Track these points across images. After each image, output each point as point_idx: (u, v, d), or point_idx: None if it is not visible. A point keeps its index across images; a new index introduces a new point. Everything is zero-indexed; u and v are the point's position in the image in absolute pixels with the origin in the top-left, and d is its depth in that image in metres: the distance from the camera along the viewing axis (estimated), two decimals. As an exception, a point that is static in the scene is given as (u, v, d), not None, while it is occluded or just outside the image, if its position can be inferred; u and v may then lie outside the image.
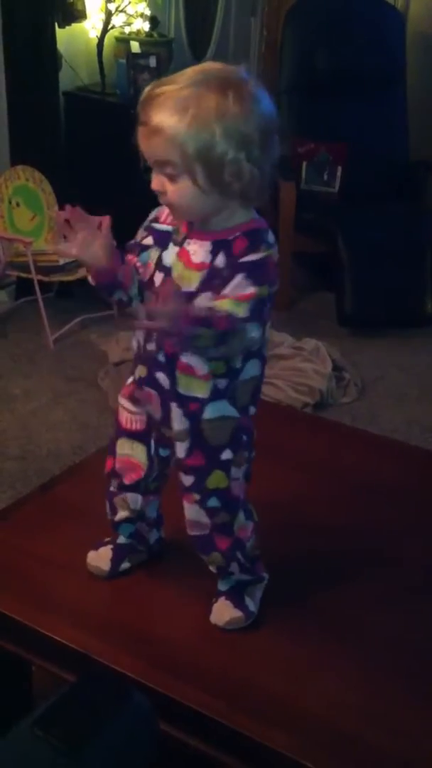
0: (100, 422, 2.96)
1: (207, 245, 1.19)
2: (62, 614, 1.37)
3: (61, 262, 3.47)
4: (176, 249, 1.23)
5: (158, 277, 1.24)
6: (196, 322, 1.12)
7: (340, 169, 4.11)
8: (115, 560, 1.46)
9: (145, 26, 4.01)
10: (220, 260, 1.18)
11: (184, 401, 1.26)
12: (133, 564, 1.47)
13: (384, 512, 1.69)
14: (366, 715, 1.23)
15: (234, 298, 1.15)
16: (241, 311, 1.14)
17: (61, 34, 3.75)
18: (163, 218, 1.26)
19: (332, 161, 4.12)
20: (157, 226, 1.26)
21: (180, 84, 1.13)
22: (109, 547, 1.47)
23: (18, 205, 3.63)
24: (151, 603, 1.42)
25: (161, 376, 1.27)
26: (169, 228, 1.25)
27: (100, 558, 1.46)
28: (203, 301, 1.18)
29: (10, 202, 3.59)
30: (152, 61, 3.87)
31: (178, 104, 1.11)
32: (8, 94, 3.60)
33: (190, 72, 1.15)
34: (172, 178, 1.15)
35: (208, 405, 1.26)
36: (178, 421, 1.28)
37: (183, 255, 1.21)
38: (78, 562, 1.47)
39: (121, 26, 3.98)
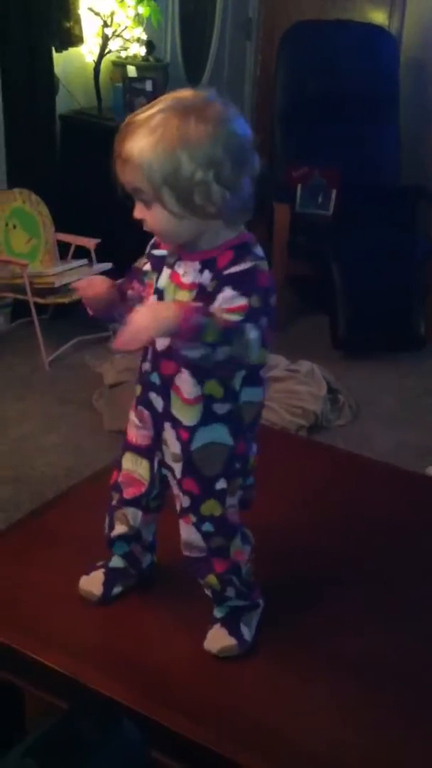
0: (94, 445, 2.96)
1: (196, 265, 1.21)
2: (54, 641, 1.36)
3: (57, 284, 3.48)
4: (169, 271, 1.25)
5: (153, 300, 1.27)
6: (200, 313, 1.13)
7: (334, 192, 4.14)
8: (108, 584, 1.46)
9: (142, 51, 4.05)
10: (206, 277, 1.20)
11: (176, 424, 1.27)
12: (124, 588, 1.47)
13: (378, 537, 1.69)
14: (359, 749, 1.23)
15: (226, 310, 1.15)
16: (236, 318, 1.14)
17: (59, 59, 3.78)
18: (161, 244, 1.28)
19: (327, 185, 4.15)
20: (155, 252, 1.29)
21: (148, 113, 1.16)
22: (101, 570, 1.47)
23: (14, 227, 3.64)
24: (144, 630, 1.42)
25: (154, 397, 1.29)
26: (164, 252, 1.27)
27: (92, 582, 1.46)
28: None
29: (6, 225, 3.61)
30: (148, 85, 3.90)
31: (144, 133, 1.14)
32: (5, 117, 3.63)
33: (160, 101, 1.18)
34: (147, 205, 1.18)
35: (198, 432, 1.26)
36: (173, 444, 1.29)
37: (174, 277, 1.24)
38: (70, 589, 1.47)
39: (117, 50, 4.01)
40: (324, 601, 1.50)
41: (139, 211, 1.20)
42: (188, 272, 1.22)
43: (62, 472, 2.82)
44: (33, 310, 3.50)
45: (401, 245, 4.03)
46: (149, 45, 4.12)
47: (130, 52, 4.03)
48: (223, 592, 1.36)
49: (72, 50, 3.87)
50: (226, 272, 1.18)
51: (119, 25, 3.90)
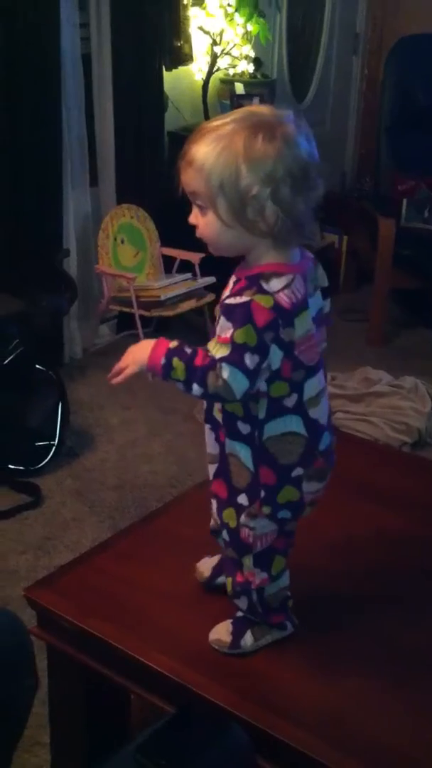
0: (196, 455, 2.99)
1: (232, 283, 1.24)
2: (163, 644, 1.39)
3: (162, 297, 3.55)
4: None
5: None
6: (170, 354, 1.18)
7: (441, 206, 4.09)
8: (216, 570, 1.49)
9: (250, 68, 4.10)
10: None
11: (214, 426, 1.31)
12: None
13: None
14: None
15: (217, 339, 1.18)
16: (219, 352, 1.16)
17: (168, 77, 3.87)
18: None
19: (433, 198, 4.11)
20: None
21: (220, 122, 1.18)
22: (218, 557, 1.50)
23: (122, 242, 3.74)
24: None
25: (204, 402, 1.33)
26: None
27: (206, 564, 1.51)
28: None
29: (115, 239, 3.71)
30: (255, 102, 3.95)
31: (211, 139, 1.16)
32: (116, 134, 3.73)
33: (235, 112, 1.20)
34: (202, 211, 1.20)
35: (227, 439, 1.28)
36: (210, 445, 1.33)
37: (225, 290, 1.27)
38: (179, 593, 1.49)
39: (225, 68, 4.07)
40: (420, 614, 1.48)
41: (193, 216, 1.22)
42: (229, 286, 1.24)
43: (165, 480, 2.87)
44: (138, 323, 3.58)
45: None
46: (257, 62, 4.17)
47: (238, 70, 4.09)
48: (235, 598, 1.37)
49: (181, 68, 3.96)
50: (225, 301, 1.19)
51: (228, 43, 3.96)
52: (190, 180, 1.19)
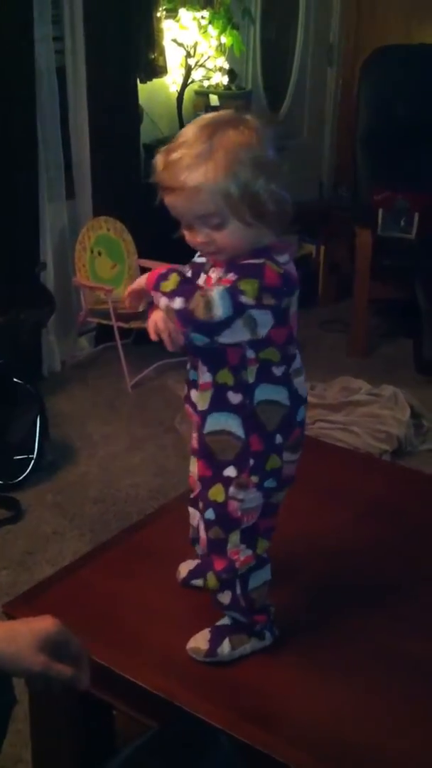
0: (178, 467, 2.98)
1: (224, 267, 1.24)
2: (146, 659, 1.37)
3: (141, 309, 3.52)
4: (204, 276, 1.29)
5: None
6: (173, 270, 1.21)
7: (417, 215, 4.11)
8: (192, 573, 1.50)
9: (224, 80, 4.11)
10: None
11: (195, 409, 1.31)
12: (205, 587, 1.46)
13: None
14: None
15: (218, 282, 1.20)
16: (215, 290, 1.16)
17: (143, 89, 3.87)
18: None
19: (409, 208, 4.12)
20: (196, 259, 1.34)
21: (192, 142, 1.17)
22: (197, 561, 1.50)
23: (100, 254, 3.73)
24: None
25: (192, 392, 1.33)
26: (204, 260, 1.32)
27: (186, 565, 1.52)
28: None
29: (92, 252, 3.70)
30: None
31: (198, 162, 1.16)
32: (92, 147, 3.73)
33: (195, 129, 1.19)
34: (219, 227, 1.19)
35: (208, 417, 1.28)
36: (194, 438, 1.34)
37: (208, 281, 1.27)
38: (161, 606, 1.48)
39: (200, 80, 4.08)
40: (416, 626, 1.47)
41: (205, 237, 1.21)
42: (218, 275, 1.25)
43: (147, 493, 2.85)
44: (116, 335, 3.56)
45: None
46: (231, 73, 4.18)
47: (213, 81, 4.10)
48: (221, 592, 1.35)
49: (156, 81, 3.96)
50: (239, 262, 1.20)
51: (202, 55, 3.97)
52: (197, 207, 1.18)
